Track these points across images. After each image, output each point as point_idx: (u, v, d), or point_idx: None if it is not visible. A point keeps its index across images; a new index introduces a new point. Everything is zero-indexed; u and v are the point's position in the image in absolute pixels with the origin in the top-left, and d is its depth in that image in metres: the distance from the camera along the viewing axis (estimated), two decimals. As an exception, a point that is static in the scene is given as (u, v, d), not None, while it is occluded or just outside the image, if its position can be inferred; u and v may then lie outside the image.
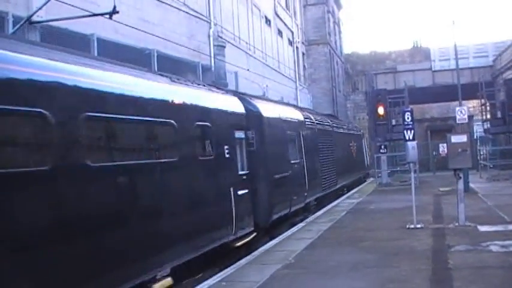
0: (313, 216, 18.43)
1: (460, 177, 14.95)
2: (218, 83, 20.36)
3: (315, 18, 52.83)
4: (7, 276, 6.18)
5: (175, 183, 10.03)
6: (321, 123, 23.29)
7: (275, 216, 14.98)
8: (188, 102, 11.15)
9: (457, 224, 14.33)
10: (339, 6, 62.59)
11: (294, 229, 15.83)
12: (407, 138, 15.83)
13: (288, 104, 24.16)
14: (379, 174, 31.15)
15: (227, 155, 12.48)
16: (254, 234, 13.66)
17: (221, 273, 10.66)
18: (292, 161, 17.22)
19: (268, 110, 16.14)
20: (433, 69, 56.29)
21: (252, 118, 14.46)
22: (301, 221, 17.39)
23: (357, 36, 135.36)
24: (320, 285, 9.37)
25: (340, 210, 19.55)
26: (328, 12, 54.97)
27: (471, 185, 23.34)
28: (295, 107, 23.71)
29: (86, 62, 8.59)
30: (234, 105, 13.99)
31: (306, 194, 18.21)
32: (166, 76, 11.20)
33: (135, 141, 9.16)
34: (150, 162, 9.21)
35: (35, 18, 13.26)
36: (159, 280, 9.01)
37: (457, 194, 14.64)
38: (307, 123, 20.21)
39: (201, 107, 11.75)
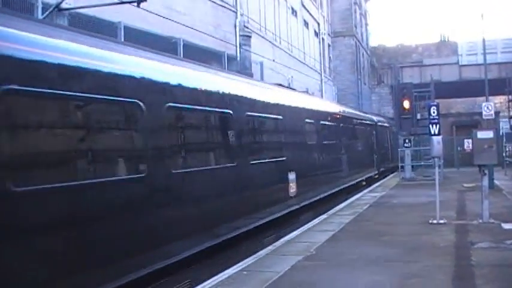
0: (335, 208, 18.40)
1: (485, 174, 14.80)
2: (243, 73, 20.33)
3: (342, 10, 52.55)
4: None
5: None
6: (381, 122, 36.83)
7: (381, 169, 33.07)
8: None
9: (480, 220, 14.20)
10: (366, -2, 62.21)
11: (316, 221, 15.81)
12: (432, 132, 15.70)
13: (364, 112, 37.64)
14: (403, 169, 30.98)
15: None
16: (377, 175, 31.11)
17: (241, 263, 10.68)
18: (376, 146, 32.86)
19: (379, 121, 36.64)
20: (460, 63, 55.74)
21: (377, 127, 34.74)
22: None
23: (384, 28, 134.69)
24: (341, 277, 9.36)
25: (363, 204, 19.48)
26: (355, 4, 54.64)
27: (496, 182, 23.08)
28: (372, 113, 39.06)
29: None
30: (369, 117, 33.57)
31: (379, 165, 33.02)
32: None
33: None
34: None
35: (63, 5, 13.36)
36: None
37: (482, 190, 14.50)
38: (378, 124, 35.50)
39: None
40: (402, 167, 30.91)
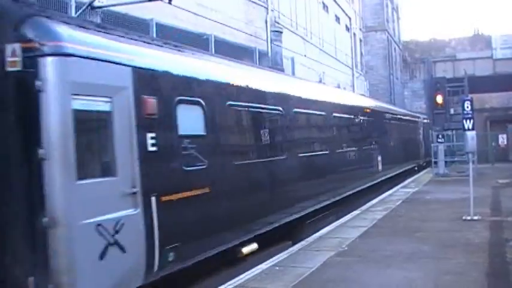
0: (367, 204, 18.31)
1: (521, 169, 14.59)
2: (275, 68, 20.33)
3: (373, 4, 52.18)
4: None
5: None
6: (425, 119, 39.79)
7: (427, 159, 35.46)
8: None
9: (516, 217, 14.02)
10: (398, -8, 61.62)
11: (348, 217, 15.77)
12: (466, 127, 15.52)
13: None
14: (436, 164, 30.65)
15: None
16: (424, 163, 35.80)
17: (274, 258, 10.71)
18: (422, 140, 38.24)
19: (424, 118, 40.63)
20: (494, 57, 54.84)
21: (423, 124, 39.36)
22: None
23: (416, 22, 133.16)
24: (374, 274, 9.31)
25: (395, 200, 19.35)
26: (387, -2, 54.19)
27: (532, 177, 22.77)
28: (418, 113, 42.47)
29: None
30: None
31: (425, 156, 36.58)
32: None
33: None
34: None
35: (96, 3, 13.51)
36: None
37: (517, 186, 14.30)
38: (424, 121, 39.74)
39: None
40: (435, 162, 30.55)
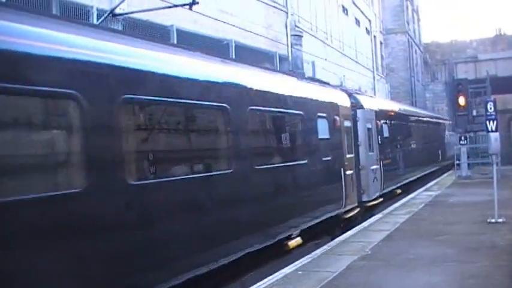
0: (390, 208, 18.24)
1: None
2: (295, 72, 20.36)
3: (393, 6, 51.93)
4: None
5: None
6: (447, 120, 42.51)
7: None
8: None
9: (541, 219, 13.85)
10: (419, -6, 61.28)
11: (371, 220, 15.72)
12: (489, 129, 15.39)
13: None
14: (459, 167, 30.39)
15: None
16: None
17: (297, 262, 10.71)
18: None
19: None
20: (516, 57, 54.30)
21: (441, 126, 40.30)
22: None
23: (437, 24, 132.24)
24: (398, 278, 9.27)
25: (418, 203, 19.24)
26: (407, 0, 53.92)
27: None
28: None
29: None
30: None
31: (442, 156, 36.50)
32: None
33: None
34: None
35: (117, 10, 13.65)
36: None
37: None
38: (446, 124, 41.36)
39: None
40: (458, 164, 30.29)
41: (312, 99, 13.75)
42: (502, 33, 58.47)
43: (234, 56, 18.67)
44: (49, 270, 5.71)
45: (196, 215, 8.28)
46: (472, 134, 33.46)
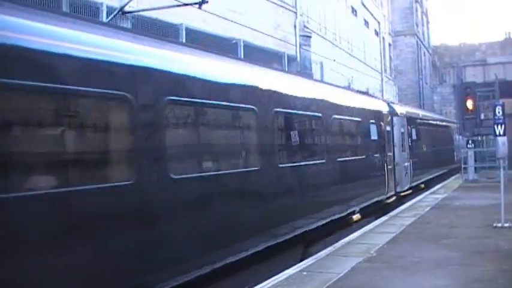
0: (395, 210, 18.20)
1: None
2: (303, 73, 20.38)
3: (402, 8, 51.88)
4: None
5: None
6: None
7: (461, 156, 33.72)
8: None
9: (547, 224, 13.78)
10: (428, -4, 61.11)
11: (376, 223, 15.69)
12: (497, 133, 15.34)
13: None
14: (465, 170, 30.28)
15: None
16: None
17: (301, 263, 10.71)
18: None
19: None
20: (525, 61, 54.14)
21: (453, 130, 41.04)
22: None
23: (446, 27, 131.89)
24: (402, 281, 9.25)
25: (424, 206, 19.19)
26: (416, 2, 53.84)
27: None
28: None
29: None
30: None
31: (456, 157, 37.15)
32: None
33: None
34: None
35: (126, 8, 13.68)
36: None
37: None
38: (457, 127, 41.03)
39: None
40: (465, 168, 30.20)
41: (366, 109, 18.00)
42: (511, 37, 58.24)
43: (242, 56, 18.70)
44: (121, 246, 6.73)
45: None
46: (479, 138, 33.36)
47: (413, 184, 23.45)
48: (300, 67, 24.06)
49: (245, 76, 10.54)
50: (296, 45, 25.03)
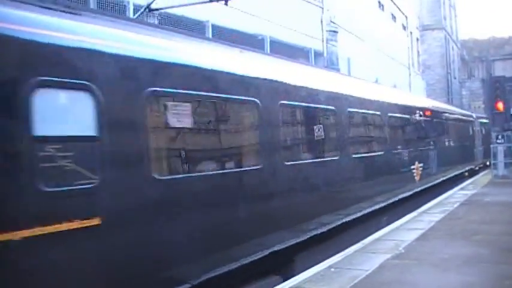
0: (424, 206, 18.04)
1: None
2: (330, 68, 20.28)
3: (430, 2, 51.35)
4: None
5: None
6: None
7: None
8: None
9: None
10: (456, -11, 60.42)
11: (405, 219, 15.56)
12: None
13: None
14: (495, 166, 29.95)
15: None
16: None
17: (329, 259, 10.66)
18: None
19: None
20: (556, 55, 53.28)
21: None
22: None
23: (474, 20, 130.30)
24: (432, 278, 9.15)
25: (453, 202, 18.99)
26: (444, -4, 53.23)
27: None
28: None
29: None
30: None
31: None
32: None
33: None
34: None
35: (153, 5, 13.75)
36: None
37: None
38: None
39: None
40: (494, 164, 29.80)
41: (469, 118, 33.51)
42: (542, 30, 57.41)
43: (269, 51, 18.68)
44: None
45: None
46: (509, 133, 32.91)
47: (482, 163, 36.26)
48: (327, 62, 23.95)
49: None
50: (323, 41, 24.91)
